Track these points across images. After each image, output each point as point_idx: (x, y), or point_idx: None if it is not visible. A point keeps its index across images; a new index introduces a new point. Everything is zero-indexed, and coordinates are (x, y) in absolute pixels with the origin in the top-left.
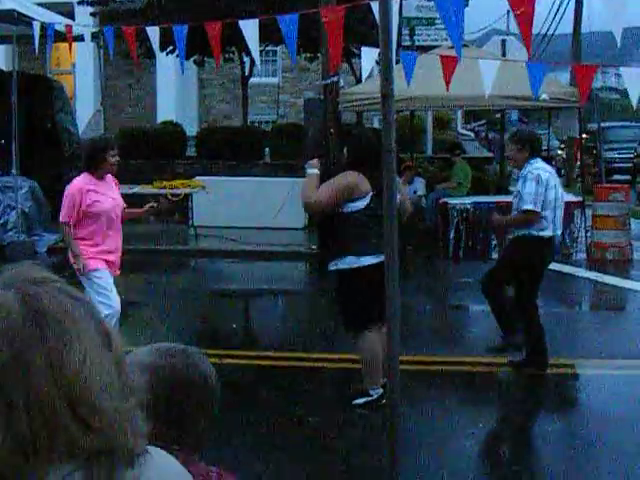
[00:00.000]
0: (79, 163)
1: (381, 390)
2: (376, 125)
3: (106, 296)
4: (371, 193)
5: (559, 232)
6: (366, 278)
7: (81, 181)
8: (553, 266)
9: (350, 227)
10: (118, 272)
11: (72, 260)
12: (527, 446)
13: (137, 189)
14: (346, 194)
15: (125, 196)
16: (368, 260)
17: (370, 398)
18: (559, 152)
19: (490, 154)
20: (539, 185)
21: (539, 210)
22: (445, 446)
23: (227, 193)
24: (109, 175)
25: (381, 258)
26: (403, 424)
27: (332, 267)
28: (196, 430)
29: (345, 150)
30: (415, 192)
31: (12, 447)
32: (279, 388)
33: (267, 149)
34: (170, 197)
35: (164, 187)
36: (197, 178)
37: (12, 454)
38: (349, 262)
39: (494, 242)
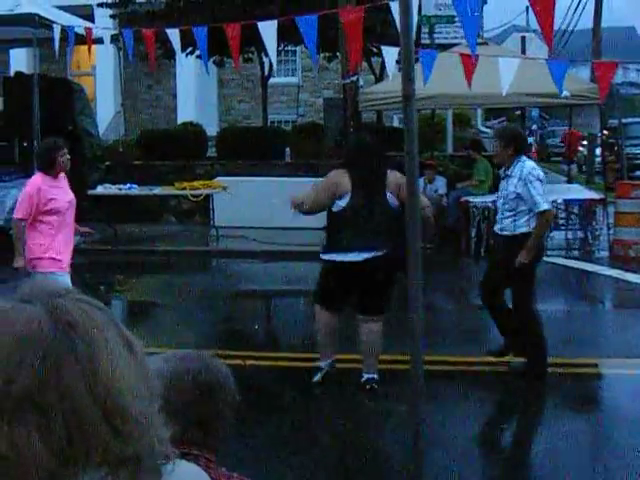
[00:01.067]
0: (101, 165)
1: (329, 360)
2: (396, 124)
3: None
4: (349, 192)
5: None
6: (342, 272)
7: (38, 180)
8: (575, 264)
9: (333, 224)
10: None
11: (34, 254)
12: (551, 446)
13: (158, 190)
14: (330, 192)
15: (146, 197)
16: (349, 257)
17: (323, 370)
18: (580, 149)
19: None
20: (543, 183)
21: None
22: (469, 446)
23: (248, 193)
24: (62, 174)
25: (364, 256)
26: (427, 422)
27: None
28: (215, 433)
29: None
30: (436, 191)
31: (48, 454)
32: (300, 389)
33: (287, 149)
34: (191, 197)
35: (185, 188)
36: (218, 179)
37: (49, 461)
38: (332, 256)
39: None
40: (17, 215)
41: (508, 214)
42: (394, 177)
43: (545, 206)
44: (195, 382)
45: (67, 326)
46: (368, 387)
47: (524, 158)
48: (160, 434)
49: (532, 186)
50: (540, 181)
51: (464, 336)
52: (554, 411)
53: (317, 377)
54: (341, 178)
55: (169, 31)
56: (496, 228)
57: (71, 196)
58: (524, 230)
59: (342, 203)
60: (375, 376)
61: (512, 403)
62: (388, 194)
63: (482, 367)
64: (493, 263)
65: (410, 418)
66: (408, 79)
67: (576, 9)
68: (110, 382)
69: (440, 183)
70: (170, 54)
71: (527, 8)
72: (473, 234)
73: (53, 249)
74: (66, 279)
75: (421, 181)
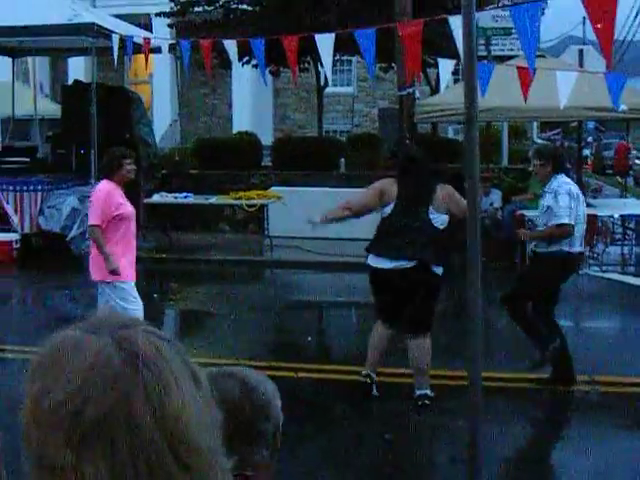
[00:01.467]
0: (157, 173)
1: (367, 371)
2: (451, 135)
3: (136, 303)
4: (395, 201)
5: (582, 249)
6: (375, 279)
7: (107, 186)
8: (632, 280)
9: (377, 229)
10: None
11: (103, 265)
12: (605, 466)
13: (214, 200)
14: (375, 197)
15: (201, 206)
16: (380, 263)
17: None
18: (637, 162)
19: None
20: (572, 199)
21: (574, 223)
22: (523, 462)
23: (302, 203)
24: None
25: (393, 264)
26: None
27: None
28: (259, 450)
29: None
30: (492, 204)
31: None
32: (353, 402)
33: (342, 159)
34: (246, 207)
35: (240, 198)
36: (272, 188)
37: None
38: (369, 260)
39: None
40: (92, 221)
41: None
42: (443, 192)
43: (565, 220)
44: (241, 402)
45: (135, 358)
46: (420, 403)
47: (561, 175)
48: (222, 465)
49: (558, 198)
50: (569, 195)
51: (519, 352)
52: (609, 430)
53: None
54: (390, 187)
55: (226, 42)
56: (532, 245)
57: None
58: (555, 248)
59: (387, 211)
60: (427, 392)
61: (565, 421)
62: (431, 209)
63: (535, 384)
64: (527, 277)
65: (466, 434)
66: (471, 102)
67: (635, 19)
68: (177, 415)
69: (495, 196)
70: (226, 64)
71: (584, 19)
72: (528, 248)
73: (125, 257)
74: (134, 288)
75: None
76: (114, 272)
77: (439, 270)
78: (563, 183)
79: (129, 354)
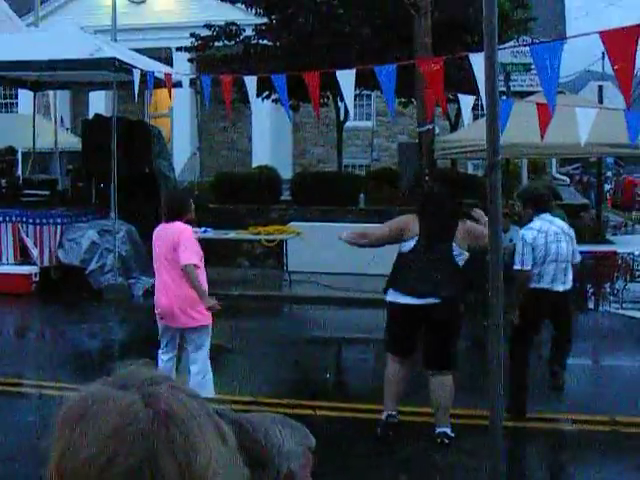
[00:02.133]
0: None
1: (388, 412)
2: (470, 170)
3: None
4: (417, 237)
5: (559, 286)
6: (399, 314)
7: (188, 227)
8: None
9: (397, 264)
10: None
11: (202, 303)
12: None
13: (232, 234)
14: (396, 232)
15: (220, 241)
16: (405, 299)
17: (381, 422)
18: None
19: (585, 200)
20: (525, 245)
21: (528, 268)
22: None
23: (322, 239)
24: None
25: (420, 301)
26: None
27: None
28: None
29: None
30: (511, 240)
31: None
32: (372, 441)
33: (362, 195)
34: (265, 242)
35: (259, 233)
36: (291, 223)
37: None
38: (390, 296)
39: (590, 291)
40: (193, 261)
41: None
42: (464, 227)
43: (516, 266)
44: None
45: (164, 415)
46: (439, 441)
47: (543, 216)
48: None
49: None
50: (524, 242)
51: (538, 391)
52: (631, 473)
53: (378, 430)
54: (411, 222)
55: (246, 77)
56: None
57: None
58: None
59: (408, 246)
60: (447, 430)
61: (586, 462)
62: (454, 246)
63: (558, 424)
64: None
65: (486, 475)
66: (493, 150)
67: None
68: (204, 472)
69: (515, 233)
70: (246, 98)
71: (603, 54)
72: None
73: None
74: None
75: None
76: (212, 309)
77: (461, 307)
78: (526, 229)
79: (157, 411)
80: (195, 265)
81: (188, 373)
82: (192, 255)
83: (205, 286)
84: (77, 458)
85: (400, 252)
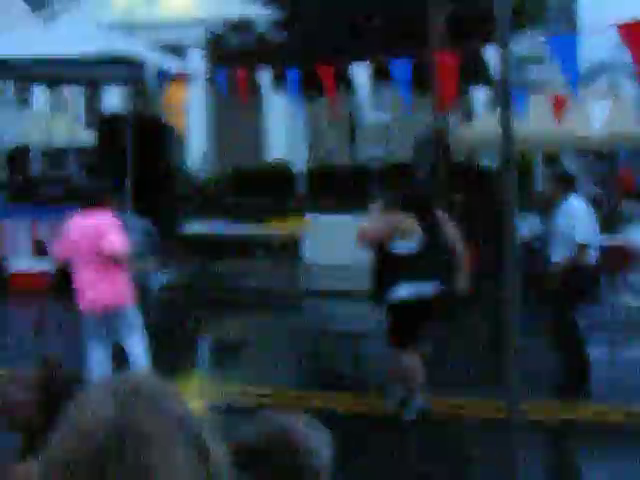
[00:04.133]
0: (191, 202)
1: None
2: (485, 163)
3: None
4: (417, 235)
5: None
6: (413, 307)
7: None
8: None
9: (397, 264)
10: None
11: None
12: None
13: (248, 228)
14: (392, 232)
15: (237, 235)
16: (418, 289)
17: (417, 408)
18: None
19: (600, 191)
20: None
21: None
22: None
23: (337, 232)
24: None
25: (430, 288)
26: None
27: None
28: None
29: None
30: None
31: None
32: (390, 434)
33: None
34: (281, 235)
35: (275, 226)
36: (307, 216)
37: None
38: (401, 292)
39: (605, 282)
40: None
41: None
42: (441, 216)
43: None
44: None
45: (124, 430)
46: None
47: (575, 195)
48: None
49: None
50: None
51: (552, 383)
52: None
53: (411, 415)
54: (403, 220)
55: (260, 72)
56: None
57: None
58: None
59: (410, 243)
60: (422, 402)
61: (601, 453)
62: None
63: (572, 415)
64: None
65: (504, 467)
66: (506, 143)
67: None
68: None
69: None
70: (260, 92)
71: (616, 46)
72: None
73: None
74: None
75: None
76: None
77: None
78: (572, 205)
79: (123, 425)
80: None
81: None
82: (123, 245)
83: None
84: (50, 457)
85: (393, 253)
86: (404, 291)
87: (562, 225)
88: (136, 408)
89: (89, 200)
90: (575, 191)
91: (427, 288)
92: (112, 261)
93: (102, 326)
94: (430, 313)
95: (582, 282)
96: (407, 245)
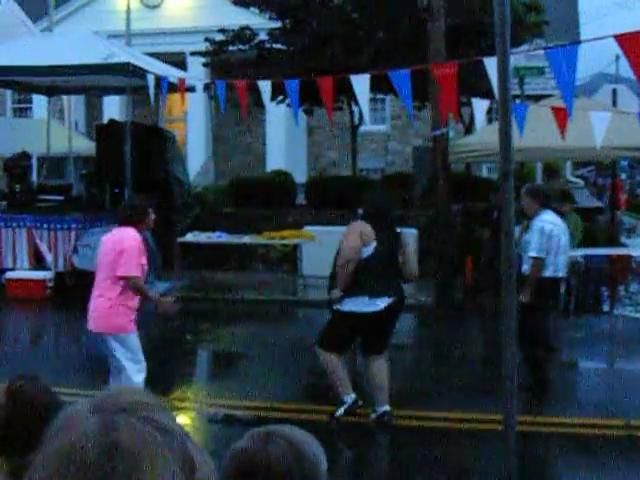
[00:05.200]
0: (191, 212)
1: (354, 395)
2: (484, 173)
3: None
4: (375, 243)
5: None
6: (360, 321)
7: (137, 235)
8: None
9: (362, 271)
10: None
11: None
12: None
13: (247, 239)
14: (360, 239)
15: (235, 245)
16: (378, 303)
17: (346, 405)
18: None
19: (600, 204)
20: (542, 235)
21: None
22: None
23: (336, 243)
24: None
25: (381, 304)
26: None
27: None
28: None
29: (360, 208)
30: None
31: None
32: (384, 446)
33: None
34: (280, 246)
35: (273, 237)
36: (306, 228)
37: None
38: (351, 304)
39: (606, 294)
40: (134, 273)
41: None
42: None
43: (532, 253)
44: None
45: (113, 447)
46: (386, 419)
47: (548, 211)
48: None
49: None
50: (541, 232)
51: (553, 395)
52: None
53: (340, 411)
54: (365, 228)
55: (260, 82)
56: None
57: None
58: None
59: (369, 250)
60: (388, 408)
61: (600, 466)
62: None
63: (572, 429)
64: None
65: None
66: (505, 157)
67: None
68: None
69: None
70: (261, 103)
71: (617, 56)
72: (562, 289)
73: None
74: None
75: (517, 229)
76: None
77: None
78: (541, 220)
79: (108, 442)
80: (138, 277)
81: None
82: (133, 268)
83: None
84: (38, 474)
85: (363, 258)
86: (355, 306)
87: (526, 239)
88: (121, 425)
89: (122, 215)
90: (549, 207)
91: (380, 304)
92: (123, 285)
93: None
94: (376, 328)
95: (536, 295)
96: (366, 250)
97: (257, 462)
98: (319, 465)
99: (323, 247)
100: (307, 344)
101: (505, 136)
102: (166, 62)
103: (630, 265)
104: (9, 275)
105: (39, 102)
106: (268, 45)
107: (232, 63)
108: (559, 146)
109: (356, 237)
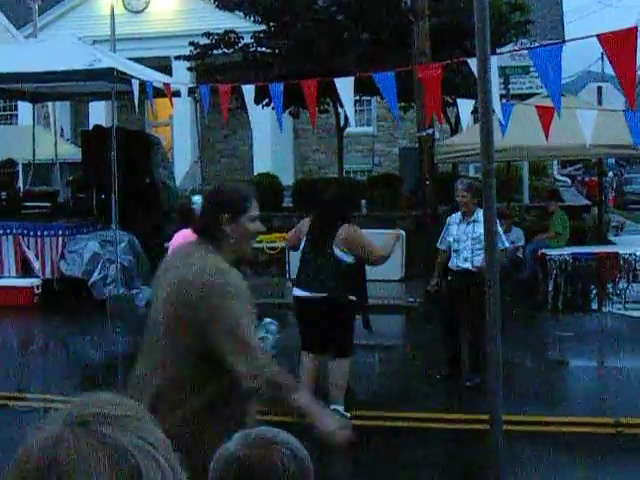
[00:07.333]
0: (176, 217)
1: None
2: (472, 173)
3: None
4: (306, 237)
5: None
6: (295, 306)
7: None
8: None
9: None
10: None
11: None
12: None
13: None
14: (297, 233)
15: None
16: (296, 291)
17: None
18: None
19: (587, 202)
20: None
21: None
22: None
23: None
24: None
25: (304, 293)
26: None
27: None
28: None
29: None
30: (513, 242)
31: None
32: (376, 449)
33: (363, 201)
34: (267, 250)
35: (261, 240)
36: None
37: None
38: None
39: (594, 292)
40: None
41: (480, 252)
42: (345, 233)
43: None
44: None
45: (53, 463)
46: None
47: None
48: None
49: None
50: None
51: (542, 394)
52: (636, 475)
53: None
54: (306, 223)
55: (244, 86)
56: (465, 265)
57: None
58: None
59: (301, 245)
60: (341, 408)
61: (589, 464)
62: (334, 247)
63: (561, 427)
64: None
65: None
66: (486, 156)
67: None
68: None
69: (515, 235)
70: (245, 106)
71: (602, 55)
72: (550, 287)
73: None
74: None
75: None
76: None
77: (348, 300)
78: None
79: (50, 457)
80: None
81: None
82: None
83: None
84: None
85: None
86: (294, 289)
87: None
88: (67, 439)
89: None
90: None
91: (295, 292)
92: None
93: None
94: (322, 320)
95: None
96: (301, 243)
97: (259, 469)
98: (312, 472)
99: None
100: (295, 346)
101: (486, 135)
102: (151, 67)
103: (618, 263)
104: None
105: (24, 109)
106: (253, 48)
107: (217, 67)
108: (544, 145)
109: (294, 232)
